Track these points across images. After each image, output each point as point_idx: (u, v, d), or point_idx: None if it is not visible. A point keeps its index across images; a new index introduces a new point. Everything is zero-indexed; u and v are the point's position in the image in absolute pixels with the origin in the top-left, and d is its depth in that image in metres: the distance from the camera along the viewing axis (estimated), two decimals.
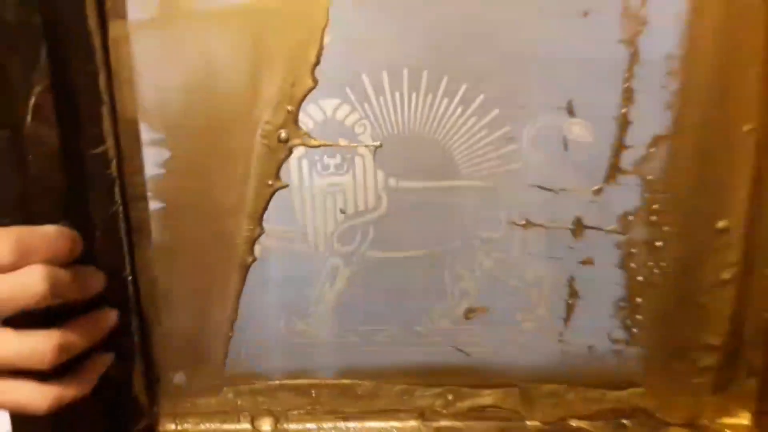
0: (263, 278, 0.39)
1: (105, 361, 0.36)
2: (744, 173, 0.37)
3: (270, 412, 0.42)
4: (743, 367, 0.40)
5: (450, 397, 0.42)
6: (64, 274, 0.32)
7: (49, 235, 0.32)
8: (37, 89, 0.32)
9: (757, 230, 0.38)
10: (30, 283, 0.30)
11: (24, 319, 0.31)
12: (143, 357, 0.40)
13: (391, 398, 0.42)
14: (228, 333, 0.40)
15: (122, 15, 0.35)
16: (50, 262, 0.31)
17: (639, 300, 0.39)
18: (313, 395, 0.42)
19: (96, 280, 0.35)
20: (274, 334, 0.41)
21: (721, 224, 0.38)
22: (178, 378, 0.41)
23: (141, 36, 0.36)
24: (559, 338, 0.40)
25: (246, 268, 0.39)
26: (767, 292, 0.39)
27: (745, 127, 0.36)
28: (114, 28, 0.35)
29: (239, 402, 0.42)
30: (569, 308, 0.40)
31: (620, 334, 0.40)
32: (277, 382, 0.42)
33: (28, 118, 0.32)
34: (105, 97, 0.36)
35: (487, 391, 0.41)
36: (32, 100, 0.32)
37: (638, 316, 0.40)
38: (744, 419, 0.41)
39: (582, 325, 0.40)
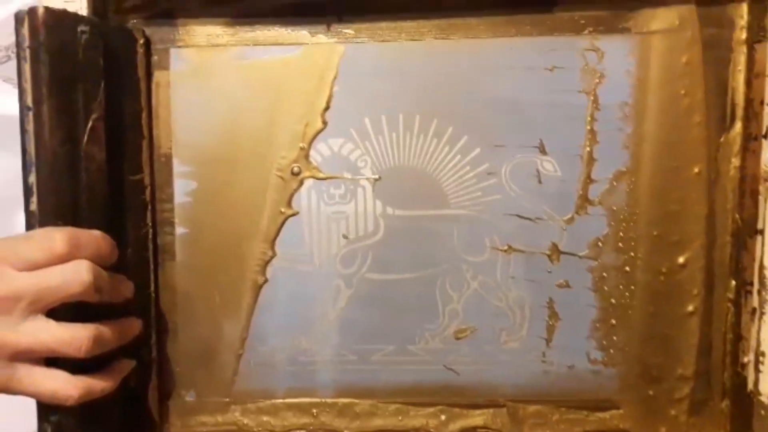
0: (272, 298, 0.44)
1: (128, 365, 0.40)
2: (698, 210, 0.42)
3: None
4: (716, 390, 0.43)
5: (443, 417, 0.44)
6: (105, 273, 0.36)
7: (95, 236, 0.37)
8: (94, 116, 0.38)
9: (714, 261, 0.42)
10: (78, 273, 0.35)
11: (64, 315, 0.36)
12: (158, 372, 0.44)
13: (387, 417, 0.44)
14: (239, 351, 0.44)
15: (166, 66, 0.43)
16: (94, 260, 0.36)
17: (613, 321, 0.43)
18: (314, 414, 0.45)
19: (127, 288, 0.40)
20: (280, 352, 0.44)
21: (681, 259, 0.43)
22: (190, 395, 0.44)
23: (180, 84, 0.43)
24: (541, 358, 0.44)
25: (258, 288, 0.44)
26: (728, 316, 0.42)
27: (695, 169, 0.42)
28: (158, 76, 0.43)
29: (245, 421, 0.45)
30: (550, 329, 0.43)
31: (598, 354, 0.43)
32: (281, 400, 0.45)
33: (85, 138, 0.38)
34: (146, 133, 0.42)
35: (478, 411, 0.44)
36: (89, 124, 0.38)
37: (614, 337, 0.43)
38: None
39: (562, 346, 0.43)
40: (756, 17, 0.40)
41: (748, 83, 0.41)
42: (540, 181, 0.43)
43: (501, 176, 0.43)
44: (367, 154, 0.43)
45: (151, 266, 0.43)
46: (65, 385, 0.36)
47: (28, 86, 0.37)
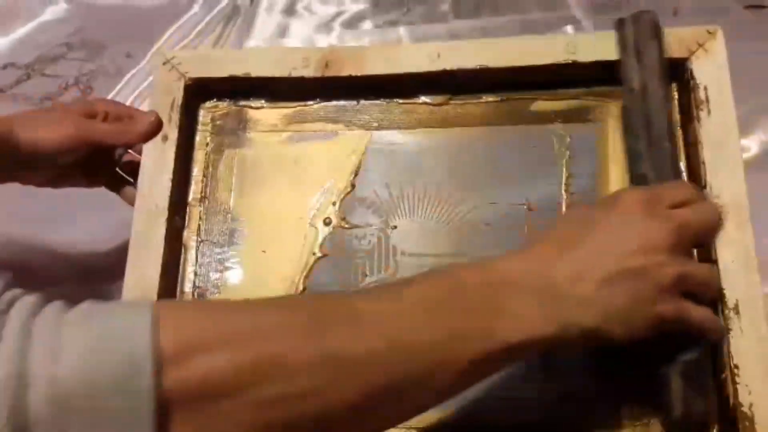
0: None
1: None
2: None
3: None
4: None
5: None
6: None
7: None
8: None
9: None
10: (714, 213, 0.45)
11: None
12: None
13: None
14: None
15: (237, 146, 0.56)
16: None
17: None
18: None
19: None
20: None
21: None
22: None
23: (244, 158, 0.56)
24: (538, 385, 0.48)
25: None
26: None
27: None
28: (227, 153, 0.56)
29: None
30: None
31: (592, 383, 0.47)
32: None
33: None
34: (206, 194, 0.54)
35: None
36: None
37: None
38: None
39: (559, 369, 0.48)
40: (684, 105, 0.53)
41: (687, 155, 0.52)
42: (526, 231, 0.52)
43: (493, 224, 0.52)
44: (387, 209, 0.53)
45: None
46: (712, 319, 0.42)
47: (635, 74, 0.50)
